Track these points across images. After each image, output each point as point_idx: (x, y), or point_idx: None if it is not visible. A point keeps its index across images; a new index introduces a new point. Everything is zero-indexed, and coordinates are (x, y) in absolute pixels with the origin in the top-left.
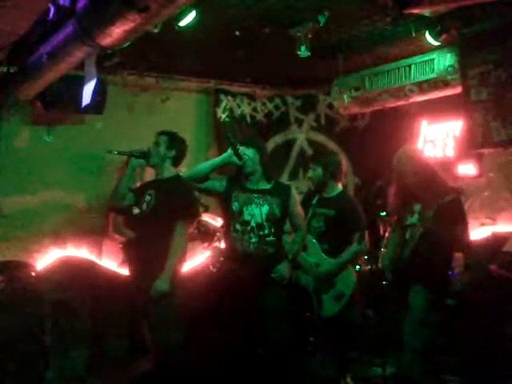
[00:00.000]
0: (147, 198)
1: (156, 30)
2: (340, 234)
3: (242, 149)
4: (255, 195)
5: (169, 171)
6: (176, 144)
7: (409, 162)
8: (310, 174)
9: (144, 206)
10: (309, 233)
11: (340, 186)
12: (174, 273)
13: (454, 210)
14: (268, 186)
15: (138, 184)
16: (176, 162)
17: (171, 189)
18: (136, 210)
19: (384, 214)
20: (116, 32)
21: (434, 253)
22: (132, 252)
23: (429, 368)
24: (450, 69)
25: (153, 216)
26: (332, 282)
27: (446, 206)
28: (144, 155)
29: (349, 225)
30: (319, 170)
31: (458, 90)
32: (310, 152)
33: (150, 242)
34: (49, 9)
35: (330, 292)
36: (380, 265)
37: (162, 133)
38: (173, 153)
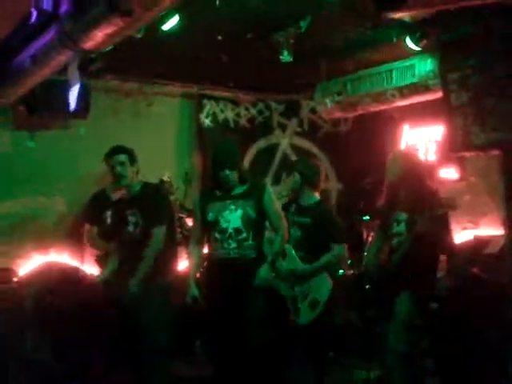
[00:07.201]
0: (131, 218)
1: (139, 35)
2: (317, 243)
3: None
4: (228, 201)
5: (137, 183)
6: (135, 157)
7: (400, 165)
8: (288, 179)
9: (131, 228)
10: (288, 242)
11: (317, 196)
12: (163, 276)
13: (443, 222)
14: (241, 190)
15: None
16: (138, 172)
17: (150, 201)
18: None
19: (367, 217)
20: (99, 36)
21: (424, 260)
22: (124, 267)
23: (412, 371)
24: (430, 73)
25: (144, 234)
26: (308, 289)
27: (437, 218)
28: None
29: (328, 236)
30: (297, 177)
31: (439, 94)
32: (293, 157)
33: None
34: (31, 13)
35: (306, 300)
36: (363, 268)
37: (119, 152)
38: (136, 166)
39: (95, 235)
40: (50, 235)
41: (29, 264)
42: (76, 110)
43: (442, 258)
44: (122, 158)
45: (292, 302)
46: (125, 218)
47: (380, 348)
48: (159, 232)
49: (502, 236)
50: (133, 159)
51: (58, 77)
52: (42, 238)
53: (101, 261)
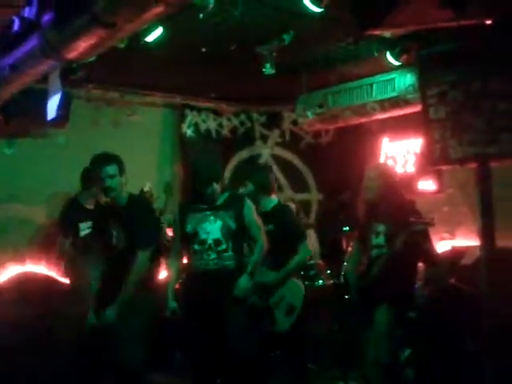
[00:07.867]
0: (114, 232)
1: (122, 46)
2: (282, 248)
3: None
4: (207, 213)
5: (124, 195)
6: (124, 166)
7: (378, 178)
8: (241, 190)
9: (114, 240)
10: None
11: (275, 198)
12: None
13: (423, 238)
14: (221, 201)
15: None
16: (127, 182)
17: (135, 216)
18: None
19: (347, 228)
20: (82, 46)
21: (403, 274)
22: (105, 282)
23: (392, 381)
24: (409, 88)
25: (126, 248)
26: (281, 296)
27: (416, 235)
28: None
29: (290, 237)
30: (250, 186)
31: (418, 108)
32: (274, 167)
33: (124, 270)
34: (13, 21)
35: (281, 307)
36: (342, 279)
37: (109, 162)
38: (125, 177)
39: (69, 247)
40: (28, 244)
41: (4, 274)
42: (55, 118)
43: (420, 268)
44: (112, 169)
45: (267, 312)
46: (108, 230)
47: (359, 359)
48: (144, 257)
49: (477, 247)
50: (122, 169)
51: (37, 84)
52: (19, 247)
53: (69, 267)
